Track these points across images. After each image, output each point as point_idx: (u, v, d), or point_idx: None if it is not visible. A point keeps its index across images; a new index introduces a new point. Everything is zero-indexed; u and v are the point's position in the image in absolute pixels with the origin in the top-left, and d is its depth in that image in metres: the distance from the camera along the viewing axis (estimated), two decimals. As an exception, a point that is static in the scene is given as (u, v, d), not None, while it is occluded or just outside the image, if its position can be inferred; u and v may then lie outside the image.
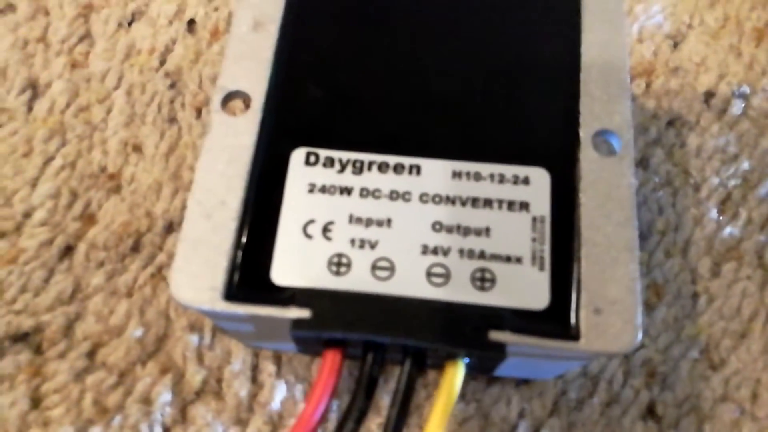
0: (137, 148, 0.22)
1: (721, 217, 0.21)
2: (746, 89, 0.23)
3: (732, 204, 0.21)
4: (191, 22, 0.24)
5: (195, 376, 0.19)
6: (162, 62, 0.23)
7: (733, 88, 0.23)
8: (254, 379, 0.19)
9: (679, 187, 0.22)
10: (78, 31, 0.24)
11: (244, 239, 0.15)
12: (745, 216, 0.21)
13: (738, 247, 0.21)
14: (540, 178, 0.16)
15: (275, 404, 0.19)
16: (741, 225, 0.21)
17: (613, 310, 0.15)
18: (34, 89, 0.23)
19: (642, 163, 0.22)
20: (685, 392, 0.19)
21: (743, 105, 0.23)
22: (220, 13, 0.24)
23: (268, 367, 0.19)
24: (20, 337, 0.19)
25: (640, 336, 0.14)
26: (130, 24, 0.24)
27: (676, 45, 0.24)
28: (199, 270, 0.15)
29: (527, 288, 0.15)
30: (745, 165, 0.22)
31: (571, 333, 0.14)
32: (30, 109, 0.22)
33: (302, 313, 0.15)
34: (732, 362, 0.19)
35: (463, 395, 0.19)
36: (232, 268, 0.15)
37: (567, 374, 0.19)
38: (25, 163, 0.21)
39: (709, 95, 0.23)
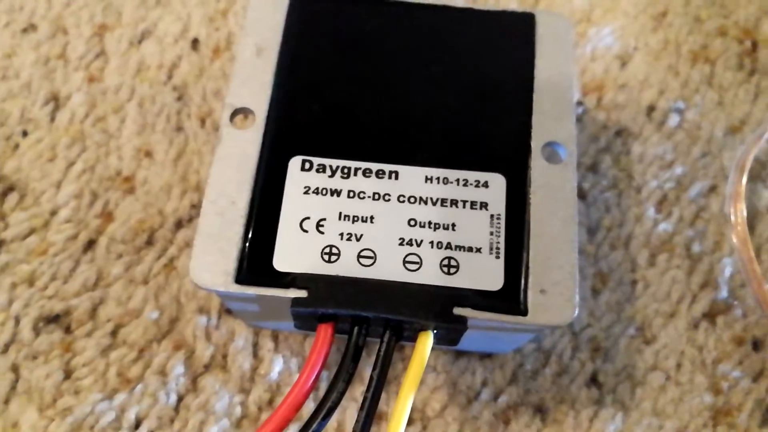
0: (149, 154, 0.25)
1: (657, 215, 0.24)
2: (682, 104, 0.26)
3: (667, 204, 0.25)
4: (195, 41, 0.27)
5: (204, 352, 0.22)
6: (169, 77, 0.26)
7: (671, 104, 0.26)
8: (255, 354, 0.22)
9: (624, 190, 0.25)
10: (94, 49, 0.26)
11: (250, 233, 0.18)
12: (678, 214, 0.24)
13: (671, 240, 0.24)
14: (497, 182, 0.19)
15: (274, 375, 0.22)
16: (674, 222, 0.24)
17: (555, 290, 0.18)
18: (56, 101, 0.25)
19: (593, 168, 0.25)
20: (623, 363, 0.22)
21: (679, 118, 0.26)
22: (221, 33, 0.27)
23: (268, 344, 0.22)
24: (52, 319, 0.22)
25: (576, 311, 0.18)
26: (140, 42, 0.27)
27: (623, 64, 0.27)
28: (213, 259, 0.18)
29: (485, 273, 0.18)
30: (679, 170, 0.25)
31: (520, 309, 0.18)
32: (53, 119, 0.25)
33: (300, 293, 0.18)
34: (662, 338, 0.23)
35: (434, 367, 0.22)
36: (241, 257, 0.18)
37: (523, 349, 0.22)
38: (50, 167, 0.24)
39: (650, 109, 0.26)
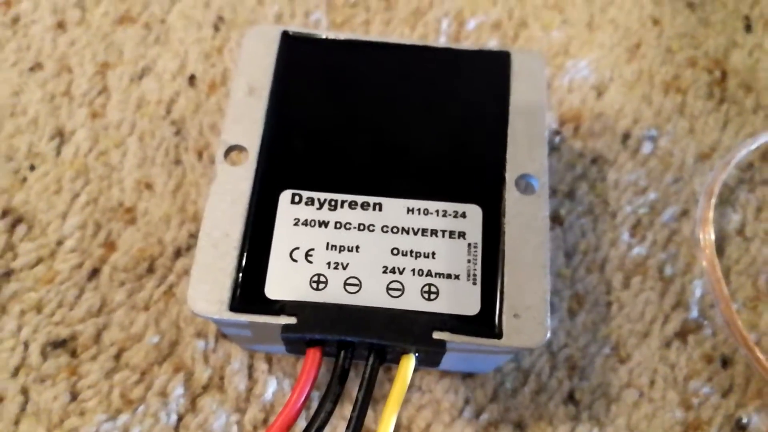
0: (149, 186, 0.26)
1: (632, 239, 0.26)
2: (655, 132, 0.28)
3: (641, 228, 0.26)
4: (192, 77, 0.28)
5: (202, 374, 0.23)
6: (168, 112, 0.28)
7: (645, 132, 0.28)
8: (250, 376, 0.23)
9: (599, 215, 0.26)
10: (97, 86, 0.28)
11: (243, 263, 0.20)
12: (651, 238, 0.26)
13: (644, 263, 0.25)
14: (474, 213, 0.20)
15: (268, 395, 0.23)
16: (647, 245, 0.26)
17: (528, 315, 0.19)
18: (61, 136, 0.27)
19: (569, 194, 0.27)
20: (598, 381, 0.23)
21: (652, 146, 0.28)
22: (217, 69, 0.29)
23: (262, 366, 0.23)
24: (59, 344, 0.23)
25: (548, 335, 0.19)
26: (140, 79, 0.28)
27: (599, 94, 0.29)
28: (209, 288, 0.19)
29: (463, 298, 0.19)
30: (652, 196, 0.27)
31: (496, 333, 0.19)
32: (58, 153, 0.27)
33: (290, 320, 0.19)
34: (636, 356, 0.24)
35: (419, 387, 0.23)
36: (235, 286, 0.19)
37: (504, 368, 0.23)
38: (56, 199, 0.26)
39: (625, 137, 0.28)
